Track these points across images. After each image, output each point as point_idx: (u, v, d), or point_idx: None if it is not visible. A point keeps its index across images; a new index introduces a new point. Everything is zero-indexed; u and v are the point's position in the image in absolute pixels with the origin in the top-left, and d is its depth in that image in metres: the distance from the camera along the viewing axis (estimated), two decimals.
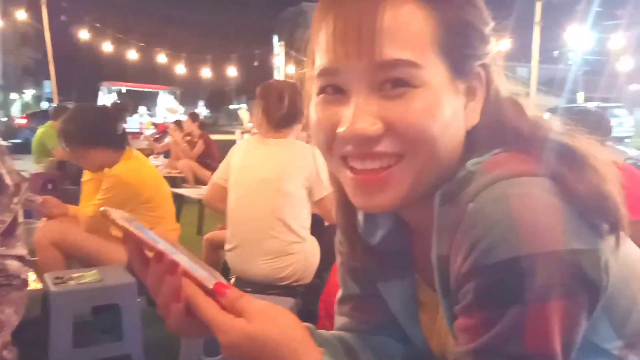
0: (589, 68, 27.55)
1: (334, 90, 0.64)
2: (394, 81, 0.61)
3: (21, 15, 10.48)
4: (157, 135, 11.52)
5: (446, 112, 0.62)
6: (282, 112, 2.45)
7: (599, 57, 22.67)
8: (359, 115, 0.61)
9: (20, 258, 1.22)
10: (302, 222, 2.43)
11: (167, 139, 8.97)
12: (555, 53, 27.15)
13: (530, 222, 0.55)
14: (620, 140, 15.46)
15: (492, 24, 0.68)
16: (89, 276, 2.32)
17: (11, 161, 1.16)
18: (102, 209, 0.64)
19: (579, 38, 10.44)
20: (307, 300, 2.40)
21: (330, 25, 0.62)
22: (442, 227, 0.63)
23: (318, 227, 2.54)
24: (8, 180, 1.11)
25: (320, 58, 0.65)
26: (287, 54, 11.62)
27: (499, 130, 0.65)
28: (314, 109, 0.67)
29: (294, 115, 2.47)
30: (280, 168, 2.40)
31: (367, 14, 0.60)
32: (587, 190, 0.58)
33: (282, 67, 11.61)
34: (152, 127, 14.89)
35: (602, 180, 0.60)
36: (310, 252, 2.45)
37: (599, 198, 0.59)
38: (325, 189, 2.34)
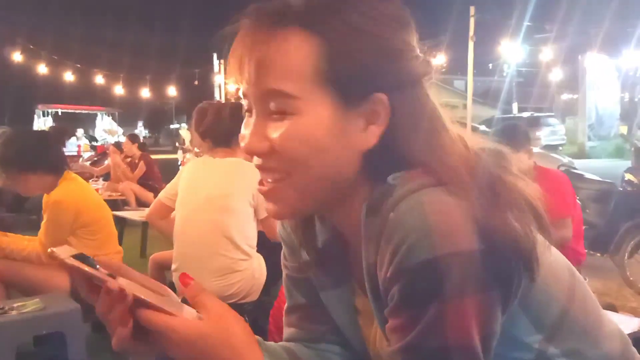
0: (522, 79, 28.75)
1: (247, 110, 0.73)
2: (276, 108, 0.68)
3: None
4: (95, 158, 11.22)
5: (322, 138, 0.67)
6: (213, 132, 2.52)
7: (531, 69, 23.75)
8: (252, 134, 0.70)
9: None
10: (249, 239, 2.46)
11: (107, 161, 8.76)
12: (490, 66, 28.28)
13: (442, 225, 0.60)
14: (554, 148, 16.23)
15: (410, 44, 0.70)
16: (32, 305, 2.26)
17: None
18: (49, 250, 0.67)
19: (511, 51, 10.93)
20: (256, 317, 2.44)
21: (233, 59, 0.70)
22: (369, 236, 0.67)
23: (264, 244, 2.59)
24: None
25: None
26: (226, 72, 11.61)
27: (406, 149, 0.69)
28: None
29: (231, 134, 2.52)
30: (226, 186, 2.43)
31: (258, 47, 0.66)
32: (506, 193, 0.64)
33: (222, 85, 11.57)
34: (91, 149, 14.48)
35: (521, 186, 0.66)
36: (257, 269, 2.48)
37: (519, 200, 0.65)
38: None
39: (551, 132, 19.54)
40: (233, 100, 2.90)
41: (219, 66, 11.90)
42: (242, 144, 0.71)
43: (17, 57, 10.33)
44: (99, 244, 2.70)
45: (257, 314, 2.45)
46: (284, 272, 0.92)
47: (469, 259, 0.60)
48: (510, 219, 0.63)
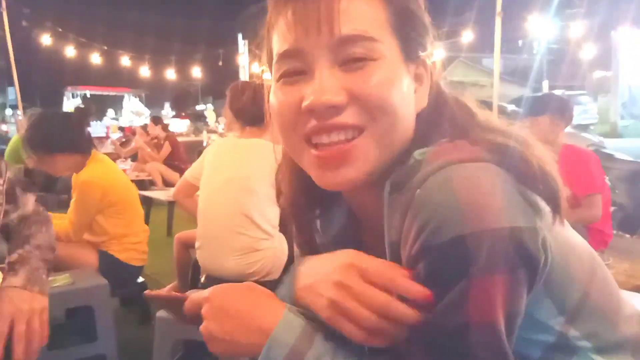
0: (553, 57, 28.03)
1: (295, 72, 0.67)
2: (354, 55, 0.65)
3: None
4: (124, 139, 11.41)
5: (403, 85, 0.66)
6: (248, 111, 2.53)
7: (562, 46, 23.13)
8: (324, 87, 0.64)
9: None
10: (270, 219, 2.48)
11: (134, 143, 8.92)
12: (520, 43, 27.62)
13: (472, 203, 0.59)
14: (585, 127, 15.85)
15: (428, 17, 0.73)
16: (61, 280, 2.35)
17: None
18: (144, 293, 0.79)
19: (541, 27, 10.64)
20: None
21: (289, 13, 0.66)
22: (392, 214, 0.66)
23: (287, 223, 2.61)
24: None
25: (279, 44, 0.68)
26: (251, 53, 11.62)
27: (440, 120, 0.70)
28: (274, 94, 0.70)
29: (261, 114, 2.54)
30: (248, 167, 2.46)
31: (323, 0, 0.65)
32: (528, 172, 0.63)
33: (246, 66, 11.57)
34: (119, 131, 14.72)
35: (542, 163, 0.64)
36: (278, 248, 2.50)
37: (540, 179, 0.64)
38: None
39: (583, 110, 19.06)
40: (242, 80, 2.89)
41: (244, 47, 11.89)
42: (305, 103, 0.65)
43: (46, 40, 10.54)
44: (125, 222, 2.78)
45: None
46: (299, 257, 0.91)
47: (497, 237, 0.58)
48: (536, 196, 0.63)
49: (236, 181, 2.45)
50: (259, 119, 2.55)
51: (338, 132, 0.66)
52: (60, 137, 2.68)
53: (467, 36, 9.92)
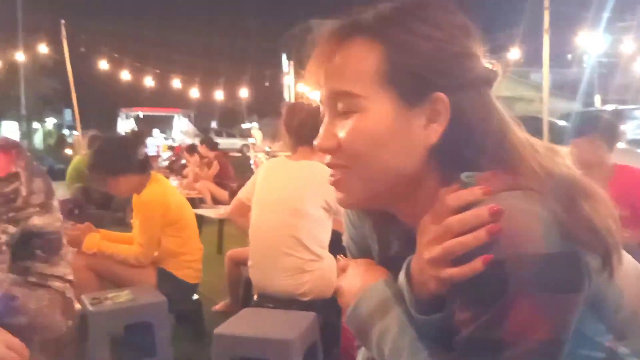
0: (605, 70, 27.15)
1: (325, 115, 0.81)
2: (342, 107, 0.76)
3: (42, 48, 10.89)
4: (173, 158, 11.76)
5: (383, 133, 0.73)
6: (301, 132, 2.59)
7: (613, 59, 22.39)
8: (323, 133, 0.79)
9: (60, 278, 1.26)
10: (320, 241, 2.51)
11: (184, 161, 9.19)
12: (569, 57, 26.90)
13: (514, 229, 0.63)
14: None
15: (471, 48, 0.75)
16: (123, 296, 2.47)
17: (42, 183, 1.23)
18: None
19: (591, 41, 10.39)
20: (327, 315, 2.50)
21: (311, 66, 0.79)
22: None
23: (337, 244, 2.64)
24: (22, 192, 1.18)
25: None
26: (296, 73, 11.79)
27: (473, 149, 0.73)
28: None
29: (314, 136, 2.59)
30: (298, 189, 2.50)
31: (327, 54, 0.77)
32: (576, 218, 0.66)
33: (292, 86, 11.73)
34: (169, 150, 15.17)
35: (595, 215, 0.67)
36: (327, 269, 2.51)
37: (586, 227, 0.66)
38: None
39: (637, 125, 18.34)
40: (299, 101, 2.97)
41: (288, 67, 12.08)
42: (315, 142, 0.81)
43: (102, 65, 11.07)
44: (183, 241, 2.89)
45: (328, 312, 2.52)
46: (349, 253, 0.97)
47: (536, 261, 0.63)
48: (587, 219, 0.66)
49: (286, 202, 2.50)
50: (312, 140, 2.61)
51: (334, 169, 0.79)
52: (121, 160, 2.82)
53: (514, 51, 9.78)
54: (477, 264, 0.65)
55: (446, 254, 0.68)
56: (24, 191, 1.18)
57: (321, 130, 0.80)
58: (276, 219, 2.51)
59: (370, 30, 0.75)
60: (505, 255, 0.63)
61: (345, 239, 0.99)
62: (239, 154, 13.72)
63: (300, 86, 11.64)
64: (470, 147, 0.73)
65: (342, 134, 0.75)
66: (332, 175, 0.80)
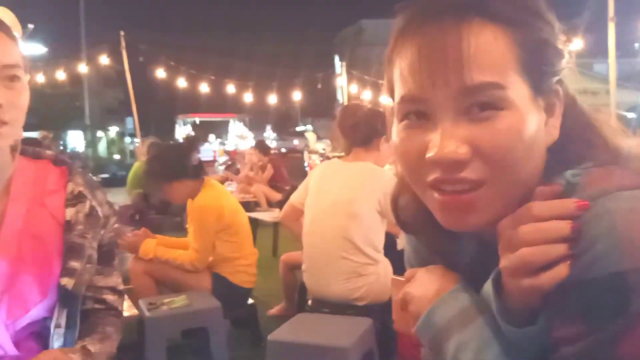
0: None
1: (418, 116, 0.65)
2: (480, 105, 0.61)
3: (104, 60, 11.34)
4: (229, 162, 11.97)
5: (530, 131, 0.62)
6: (356, 133, 2.56)
7: None
8: (447, 139, 0.61)
9: (113, 289, 1.28)
10: (374, 244, 2.46)
11: (238, 166, 9.33)
12: (636, 45, 25.59)
13: (633, 237, 0.55)
14: None
15: (563, 37, 0.67)
16: (179, 301, 2.49)
17: (102, 195, 1.25)
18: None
19: None
20: (384, 320, 2.44)
21: (411, 55, 0.63)
22: None
23: (392, 247, 2.58)
24: (99, 212, 1.20)
25: (402, 86, 0.65)
26: (348, 74, 11.73)
27: (579, 143, 0.67)
28: (397, 134, 0.68)
29: (369, 137, 2.56)
30: (352, 191, 2.46)
31: (451, 42, 0.61)
32: None
33: (344, 87, 11.70)
34: (225, 154, 15.46)
35: None
36: (382, 273, 2.46)
37: None
38: None
39: None
40: (354, 102, 2.94)
41: (341, 68, 12.06)
42: (429, 154, 0.62)
43: (160, 73, 11.41)
44: (237, 246, 2.89)
45: (385, 316, 2.45)
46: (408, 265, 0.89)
47: None
48: None
49: (340, 205, 2.46)
50: (366, 141, 2.57)
51: (462, 184, 0.63)
52: (175, 167, 2.86)
53: (577, 42, 9.36)
54: (561, 270, 0.57)
55: (525, 264, 0.59)
56: (98, 209, 1.20)
57: (437, 137, 0.62)
58: (330, 222, 2.48)
59: (485, 10, 0.62)
60: (626, 266, 0.54)
61: (406, 249, 0.91)
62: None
63: (353, 87, 11.59)
64: (574, 142, 0.66)
65: (481, 136, 0.61)
66: (445, 196, 0.64)
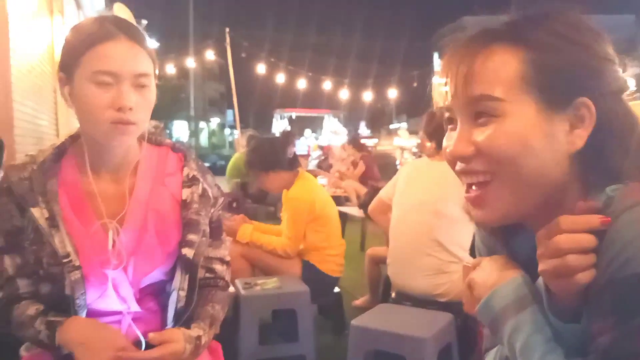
0: None
1: (450, 121, 0.81)
2: (479, 112, 0.75)
3: (209, 55, 12.03)
4: (323, 157, 12.20)
5: (528, 137, 0.72)
6: (437, 138, 2.60)
7: None
8: (458, 140, 0.77)
9: (221, 260, 1.41)
10: (461, 242, 2.50)
11: (331, 161, 9.51)
12: None
13: None
14: None
15: (611, 55, 0.75)
16: (271, 283, 2.68)
17: (212, 178, 1.39)
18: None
19: None
20: (465, 318, 2.47)
21: (443, 70, 0.79)
22: None
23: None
24: (209, 193, 1.35)
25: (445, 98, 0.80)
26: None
27: (619, 157, 0.73)
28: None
29: None
30: (438, 190, 2.51)
31: (467, 62, 0.75)
32: None
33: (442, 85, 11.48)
34: (319, 149, 15.76)
35: None
36: None
37: None
38: None
39: None
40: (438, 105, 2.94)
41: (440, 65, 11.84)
42: (447, 150, 0.79)
43: (260, 69, 11.93)
44: (326, 236, 3.05)
45: (467, 315, 2.49)
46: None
47: None
48: None
49: (427, 204, 2.52)
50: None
51: (470, 177, 0.77)
52: (272, 158, 3.07)
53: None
54: (591, 273, 0.67)
55: (566, 268, 0.69)
56: (209, 190, 1.35)
57: (452, 136, 0.79)
58: (417, 219, 2.54)
59: (509, 36, 0.74)
60: None
61: (476, 240, 1.02)
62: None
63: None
64: (615, 155, 0.73)
65: (481, 138, 0.74)
66: (467, 191, 0.79)
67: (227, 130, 35.16)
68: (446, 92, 0.79)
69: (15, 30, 4.10)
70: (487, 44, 0.75)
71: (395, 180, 2.79)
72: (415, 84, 12.82)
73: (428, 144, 2.73)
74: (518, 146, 0.72)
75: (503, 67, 0.73)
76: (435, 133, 2.65)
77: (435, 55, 28.69)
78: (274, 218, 5.61)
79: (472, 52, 0.75)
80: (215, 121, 36.05)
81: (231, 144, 27.58)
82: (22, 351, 1.80)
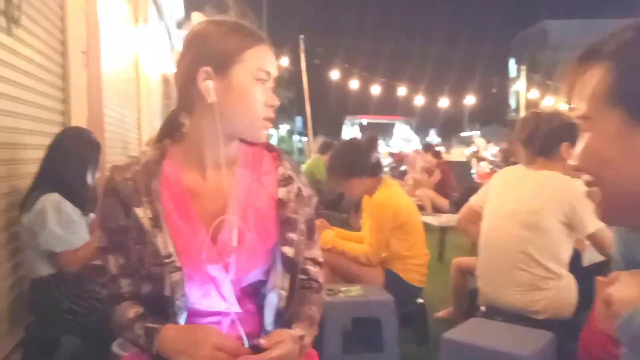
0: None
1: None
2: (581, 128, 0.84)
3: (284, 61, 12.21)
4: (394, 164, 12.08)
5: (609, 152, 0.80)
6: (539, 142, 2.45)
7: None
8: (577, 149, 0.87)
9: (314, 261, 1.38)
10: (557, 258, 2.33)
11: (403, 168, 9.37)
12: None
13: None
14: None
15: None
16: (355, 291, 2.63)
17: (304, 177, 1.38)
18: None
19: None
20: (562, 337, 2.31)
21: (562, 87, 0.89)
22: None
23: (577, 264, 2.42)
24: (304, 192, 1.33)
25: None
26: (528, 78, 11.07)
27: None
28: None
29: (551, 145, 2.43)
30: (534, 201, 2.35)
31: (569, 78, 0.86)
32: None
33: (522, 92, 11.04)
34: (390, 156, 15.62)
35: None
36: (564, 289, 2.33)
37: None
38: (591, 224, 2.25)
39: None
40: (533, 110, 2.79)
41: (518, 72, 11.44)
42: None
43: (334, 75, 11.96)
44: (410, 245, 2.96)
45: (564, 334, 2.32)
46: None
47: None
48: None
49: (521, 215, 2.36)
50: (547, 150, 2.44)
51: (587, 180, 0.86)
52: (355, 164, 3.01)
53: None
54: None
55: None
56: (304, 190, 1.34)
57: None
58: (509, 231, 2.40)
59: (606, 54, 0.80)
60: None
61: (614, 254, 1.00)
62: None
63: (533, 93, 10.90)
64: None
65: (579, 152, 0.84)
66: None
67: (295, 137, 35.65)
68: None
69: (105, 38, 4.29)
70: (588, 61, 0.83)
71: (487, 187, 2.66)
72: (493, 91, 12.45)
73: (523, 152, 2.58)
74: (598, 161, 0.81)
75: (591, 84, 0.81)
76: (531, 139, 2.50)
77: (511, 62, 27.79)
78: (346, 225, 5.55)
79: (574, 71, 0.85)
80: (284, 128, 36.65)
81: (300, 151, 27.91)
82: (115, 347, 1.81)
